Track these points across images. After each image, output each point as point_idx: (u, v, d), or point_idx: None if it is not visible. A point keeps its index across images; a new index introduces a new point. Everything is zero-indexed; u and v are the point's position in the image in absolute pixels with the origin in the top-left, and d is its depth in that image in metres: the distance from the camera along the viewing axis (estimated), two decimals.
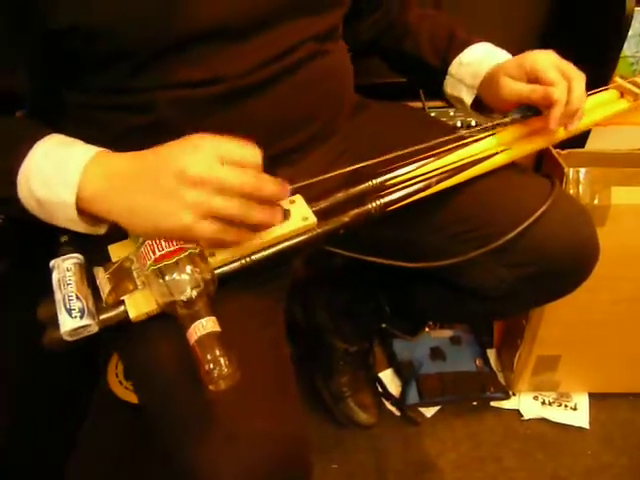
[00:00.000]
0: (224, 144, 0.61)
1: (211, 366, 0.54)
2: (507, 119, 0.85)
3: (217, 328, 0.58)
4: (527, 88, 0.81)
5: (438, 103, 1.30)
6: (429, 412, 1.40)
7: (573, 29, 1.29)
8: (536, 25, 1.32)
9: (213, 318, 0.58)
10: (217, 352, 0.55)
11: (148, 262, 0.61)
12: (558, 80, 0.78)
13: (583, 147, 1.29)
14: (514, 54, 1.33)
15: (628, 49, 1.28)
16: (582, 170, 1.11)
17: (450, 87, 0.95)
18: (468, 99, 0.93)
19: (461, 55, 0.93)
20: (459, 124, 1.34)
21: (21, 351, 1.04)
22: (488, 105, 0.91)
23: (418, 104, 1.21)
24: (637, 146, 1.31)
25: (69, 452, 1.28)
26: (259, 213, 0.63)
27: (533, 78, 0.81)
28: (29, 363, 1.09)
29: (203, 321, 0.57)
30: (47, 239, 0.69)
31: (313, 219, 0.72)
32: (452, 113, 1.33)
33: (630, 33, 1.19)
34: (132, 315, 0.63)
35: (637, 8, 1.16)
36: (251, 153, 0.62)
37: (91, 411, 1.38)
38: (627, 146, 1.28)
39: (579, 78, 0.80)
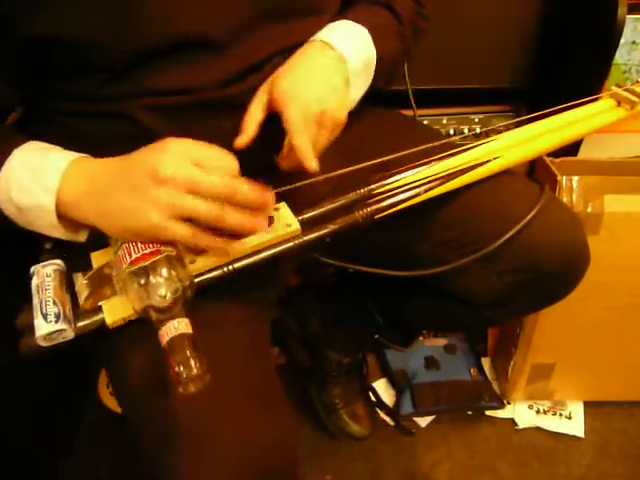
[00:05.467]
0: (197, 146, 0.61)
1: (181, 368, 0.54)
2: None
3: (189, 330, 0.57)
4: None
5: (429, 111, 1.30)
6: (423, 422, 1.40)
7: (566, 37, 1.29)
8: (529, 33, 1.32)
9: (186, 320, 0.58)
10: (187, 353, 0.54)
11: (124, 265, 0.61)
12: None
13: (576, 155, 1.29)
14: (508, 62, 1.35)
15: (620, 57, 1.28)
16: (575, 178, 1.10)
17: None
18: None
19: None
20: (452, 132, 1.34)
21: (14, 359, 1.03)
22: None
23: (409, 112, 1.20)
24: (630, 154, 1.31)
25: (63, 460, 1.28)
26: (234, 217, 0.62)
27: None
28: (21, 371, 1.08)
29: (175, 322, 0.57)
30: (33, 248, 0.69)
31: (297, 226, 0.71)
32: (445, 121, 1.33)
33: (622, 41, 1.19)
34: (109, 321, 0.62)
35: (629, 16, 1.16)
36: (227, 158, 0.62)
37: (84, 422, 1.37)
38: (620, 154, 1.28)
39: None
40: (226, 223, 0.62)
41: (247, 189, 0.62)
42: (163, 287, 0.59)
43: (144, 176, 0.59)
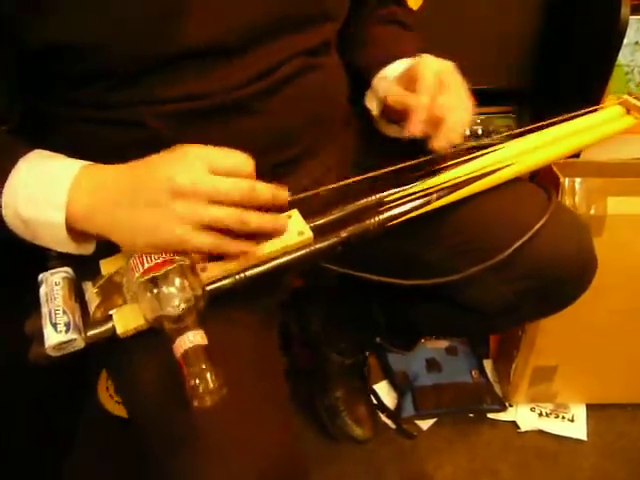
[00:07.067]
0: (213, 152, 0.61)
1: (197, 381, 0.53)
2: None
3: (204, 341, 0.56)
4: (391, 97, 0.78)
5: None
6: (425, 424, 1.39)
7: (568, 37, 1.29)
8: (531, 33, 1.32)
9: (201, 332, 0.57)
10: (203, 366, 0.54)
11: (136, 274, 0.60)
12: (423, 86, 0.74)
13: (578, 157, 1.29)
14: (509, 63, 1.35)
15: (623, 58, 1.27)
16: (578, 180, 1.10)
17: (367, 100, 0.90)
18: (376, 110, 0.87)
19: (386, 68, 0.87)
20: None
21: (12, 364, 1.02)
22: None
23: None
24: (633, 155, 1.31)
25: (63, 459, 1.27)
26: (257, 218, 0.62)
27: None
28: (22, 370, 1.08)
29: (190, 334, 0.56)
30: (39, 254, 0.67)
31: (309, 234, 0.70)
32: None
33: (625, 42, 1.19)
34: (119, 330, 0.61)
35: (632, 16, 1.16)
36: (242, 161, 0.61)
37: (84, 420, 1.37)
38: (623, 156, 1.28)
39: (453, 85, 0.76)
40: (251, 226, 0.62)
41: (268, 191, 0.62)
42: (176, 297, 0.58)
43: (161, 190, 0.58)
